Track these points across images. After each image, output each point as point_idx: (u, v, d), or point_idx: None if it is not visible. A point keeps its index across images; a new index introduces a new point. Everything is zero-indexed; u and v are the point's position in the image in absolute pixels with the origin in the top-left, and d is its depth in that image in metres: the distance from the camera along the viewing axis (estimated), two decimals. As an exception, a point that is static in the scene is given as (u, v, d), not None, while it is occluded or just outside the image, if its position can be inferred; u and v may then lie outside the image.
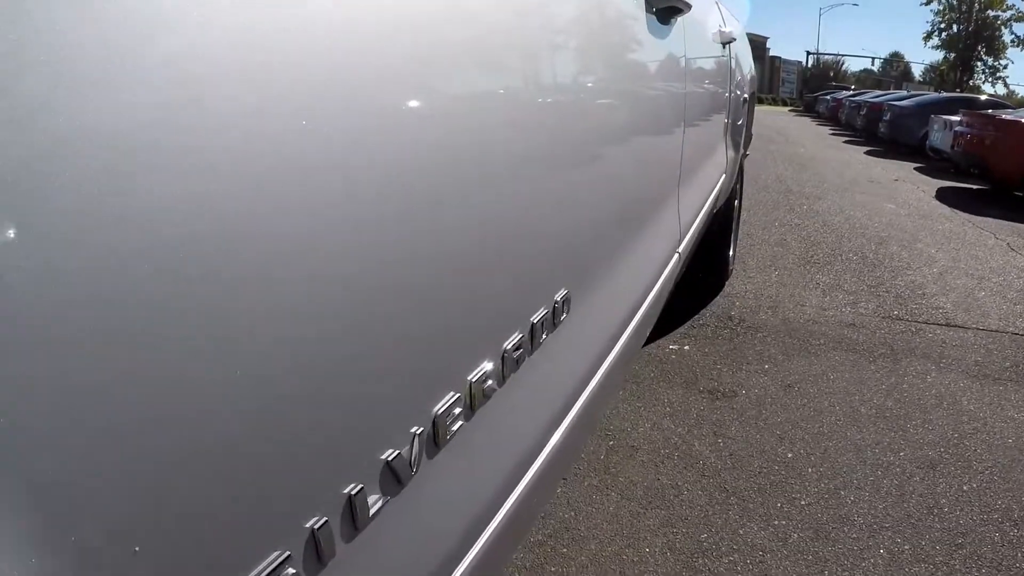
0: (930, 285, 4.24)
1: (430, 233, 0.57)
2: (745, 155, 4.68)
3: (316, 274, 0.44)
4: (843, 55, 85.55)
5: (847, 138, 17.40)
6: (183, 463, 0.36)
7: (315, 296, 0.44)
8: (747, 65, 3.62)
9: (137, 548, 0.33)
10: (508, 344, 0.75)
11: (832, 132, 19.73)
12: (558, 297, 0.87)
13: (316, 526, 0.46)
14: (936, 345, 3.27)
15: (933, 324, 3.55)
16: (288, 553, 0.43)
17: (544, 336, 0.85)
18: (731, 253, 3.94)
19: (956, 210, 7.13)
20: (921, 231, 5.90)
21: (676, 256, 1.67)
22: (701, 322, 3.42)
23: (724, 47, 2.58)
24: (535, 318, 0.82)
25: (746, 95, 3.41)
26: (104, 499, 0.32)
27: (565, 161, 0.88)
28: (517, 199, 0.75)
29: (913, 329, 3.47)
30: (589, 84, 0.94)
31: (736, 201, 4.12)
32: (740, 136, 3.39)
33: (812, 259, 4.74)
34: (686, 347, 3.10)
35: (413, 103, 0.54)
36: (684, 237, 1.77)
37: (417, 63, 0.55)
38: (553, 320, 0.88)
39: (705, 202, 2.29)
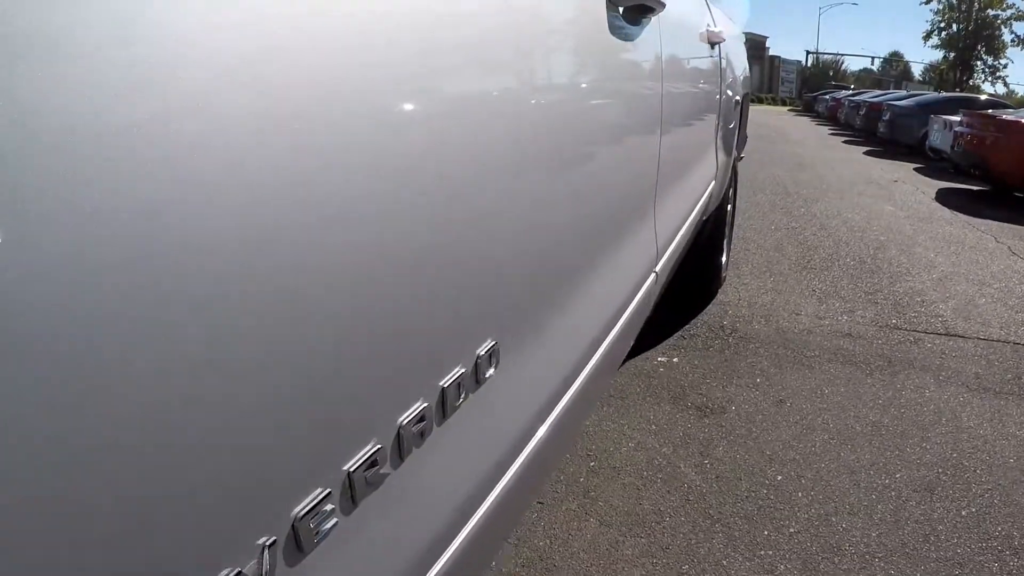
0: (929, 292, 4.12)
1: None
2: (739, 157, 4.57)
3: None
4: (842, 54, 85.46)
5: (846, 138, 17.28)
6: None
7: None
8: (740, 66, 3.51)
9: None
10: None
11: (831, 132, 19.62)
12: (482, 350, 0.75)
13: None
14: (935, 356, 3.16)
15: (932, 333, 3.44)
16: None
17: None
18: (724, 260, 3.83)
19: (956, 212, 7.01)
20: (920, 234, 5.78)
21: (653, 276, 1.56)
22: (692, 332, 3.30)
23: (713, 47, 2.47)
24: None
25: (739, 97, 3.30)
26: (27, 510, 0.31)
27: (510, 179, 0.78)
28: (450, 223, 0.65)
29: (911, 339, 3.35)
30: (535, 93, 0.83)
31: (729, 206, 4.00)
32: (732, 139, 3.28)
33: (809, 264, 4.63)
34: (675, 359, 2.99)
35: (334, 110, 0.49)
36: (662, 255, 1.65)
37: (337, 68, 0.50)
38: (489, 362, 0.77)
39: (691, 212, 2.18)
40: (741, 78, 3.48)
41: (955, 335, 3.43)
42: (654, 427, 2.43)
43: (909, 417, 2.57)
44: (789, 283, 4.18)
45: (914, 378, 2.92)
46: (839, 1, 62.22)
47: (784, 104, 49.96)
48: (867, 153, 13.46)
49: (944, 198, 8.02)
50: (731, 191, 3.98)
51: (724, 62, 2.76)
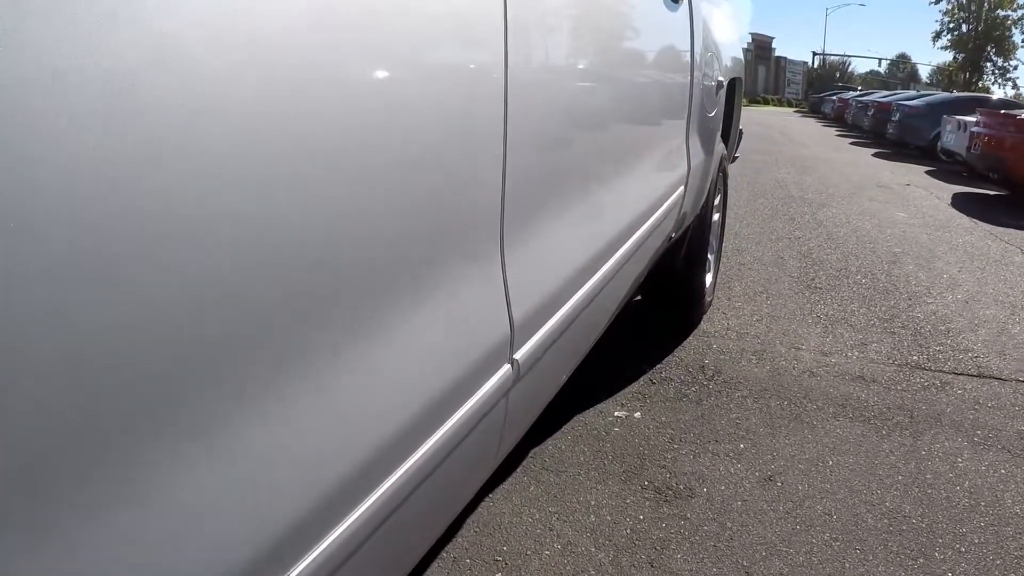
0: (955, 318, 3.47)
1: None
2: (733, 158, 3.92)
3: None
4: (849, 56, 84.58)
5: (853, 139, 16.65)
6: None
7: None
8: (727, 39, 2.85)
9: None
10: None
11: (838, 133, 18.97)
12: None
13: None
14: (968, 407, 2.51)
15: (962, 375, 2.79)
16: None
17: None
18: (709, 280, 3.18)
19: (975, 220, 6.37)
20: (939, 245, 5.13)
21: (506, 368, 0.91)
22: (663, 375, 2.65)
23: (676, 4, 1.81)
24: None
25: (721, 78, 2.63)
26: None
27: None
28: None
29: (938, 383, 2.70)
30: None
31: (716, 216, 3.35)
32: (713, 135, 2.62)
33: (813, 283, 3.97)
34: (636, 414, 2.34)
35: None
36: (524, 338, 0.98)
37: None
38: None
39: (625, 244, 1.52)
40: (728, 55, 2.82)
41: (990, 376, 2.78)
42: (593, 519, 1.79)
43: (938, 502, 1.93)
44: (789, 307, 3.52)
45: (942, 440, 2.27)
46: (846, 2, 61.42)
47: (790, 105, 49.19)
48: (876, 155, 12.81)
49: (961, 204, 7.38)
50: (719, 199, 3.33)
51: (697, 28, 2.10)
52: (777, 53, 62.80)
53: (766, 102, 47.68)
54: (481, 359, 0.83)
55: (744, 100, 4.44)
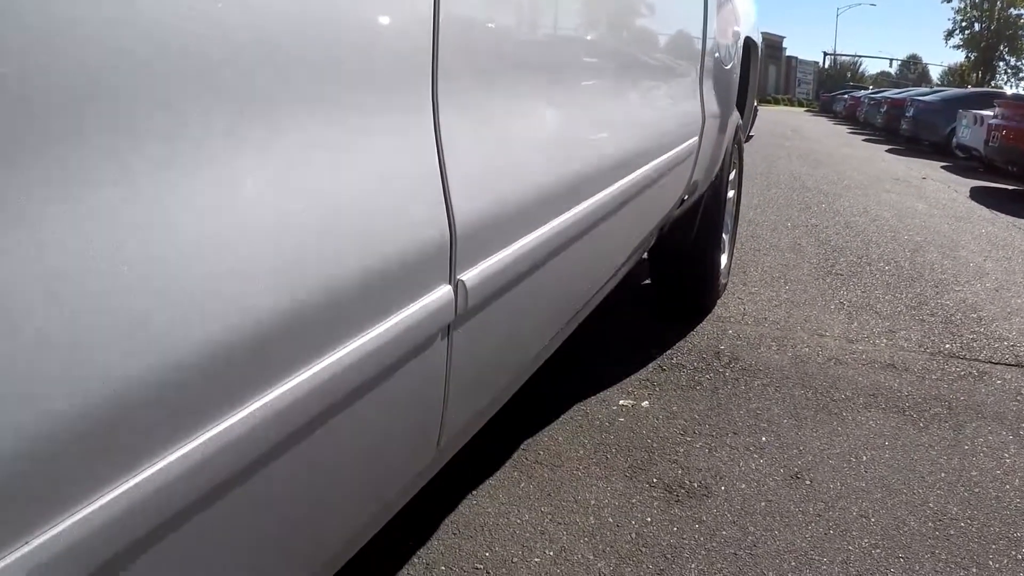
0: (986, 305, 3.21)
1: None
2: (748, 136, 3.67)
3: None
4: (860, 56, 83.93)
5: (866, 136, 16.38)
6: None
7: None
8: None
9: None
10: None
11: (850, 131, 18.67)
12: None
13: None
14: (1009, 398, 2.26)
15: (1000, 364, 2.53)
16: None
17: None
18: (724, 261, 2.93)
19: (996, 212, 6.11)
20: (962, 235, 4.87)
21: (446, 290, 0.66)
22: (674, 361, 2.40)
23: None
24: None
25: (739, 30, 2.37)
26: None
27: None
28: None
29: (975, 372, 2.45)
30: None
31: (732, 192, 3.11)
32: (729, 90, 2.36)
33: (833, 269, 3.72)
34: (644, 403, 2.09)
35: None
36: (463, 252, 0.72)
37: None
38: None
39: (625, 175, 1.26)
40: (743, 13, 2.56)
41: (1032, 367, 2.52)
42: (593, 521, 1.54)
43: (987, 503, 1.68)
44: (810, 293, 3.27)
45: (986, 434, 2.02)
46: (857, 2, 60.92)
47: (801, 105, 48.71)
48: (889, 151, 12.54)
49: (979, 196, 7.11)
50: (735, 174, 3.08)
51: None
52: (788, 53, 62.30)
53: (777, 102, 47.22)
54: (405, 266, 0.58)
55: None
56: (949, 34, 47.81)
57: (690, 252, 2.57)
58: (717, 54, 2.04)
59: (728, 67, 2.23)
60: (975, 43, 46.63)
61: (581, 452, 1.81)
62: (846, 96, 26.50)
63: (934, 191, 7.25)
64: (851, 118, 22.48)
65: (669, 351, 2.48)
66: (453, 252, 0.65)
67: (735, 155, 2.90)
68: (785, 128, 16.98)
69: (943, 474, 1.80)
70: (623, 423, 1.96)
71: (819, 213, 5.37)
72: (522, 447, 1.81)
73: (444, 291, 0.64)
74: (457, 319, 0.68)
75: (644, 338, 2.55)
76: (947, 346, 2.68)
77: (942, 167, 10.08)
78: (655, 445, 1.86)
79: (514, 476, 1.69)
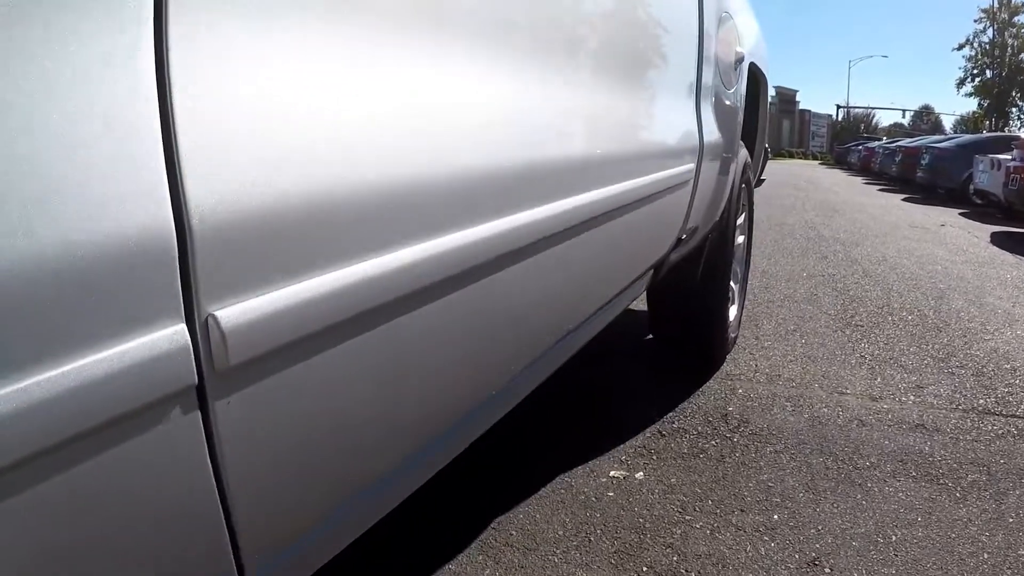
0: (1019, 355, 2.95)
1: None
2: (759, 180, 3.46)
3: None
4: (873, 107, 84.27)
5: (881, 186, 16.20)
6: None
7: None
8: (748, 16, 2.42)
9: None
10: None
11: (865, 182, 18.51)
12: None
13: None
14: (1059, 461, 1.99)
15: (1043, 421, 2.27)
16: None
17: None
18: (732, 314, 2.69)
19: (1020, 256, 5.85)
20: (987, 282, 4.61)
21: (182, 334, 0.40)
22: (676, 424, 2.15)
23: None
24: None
25: (740, 49, 2.18)
26: None
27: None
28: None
29: (1014, 430, 2.18)
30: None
31: (742, 237, 2.89)
32: (733, 118, 2.15)
33: (853, 320, 3.46)
34: (638, 474, 1.84)
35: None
36: (207, 277, 0.43)
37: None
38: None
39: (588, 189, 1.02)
40: (747, 35, 2.36)
41: (1079, 424, 2.25)
42: (573, 625, 1.29)
43: (1050, 593, 1.41)
44: (828, 347, 3.01)
45: (1036, 504, 1.75)
46: (869, 55, 61.41)
47: (814, 158, 48.73)
48: (905, 200, 12.32)
49: (1001, 242, 6.85)
50: (744, 217, 2.86)
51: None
52: (801, 106, 62.63)
53: (791, 155, 47.28)
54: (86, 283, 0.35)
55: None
56: (961, 82, 47.87)
57: (694, 301, 2.35)
58: (716, 69, 1.83)
59: (731, 90, 2.03)
60: (987, 90, 46.62)
61: (560, 533, 1.56)
62: (860, 147, 26.39)
63: (954, 237, 7.00)
64: (866, 169, 22.36)
65: (670, 413, 2.23)
66: (189, 266, 0.41)
67: (743, 196, 2.69)
68: (800, 180, 16.84)
69: (986, 555, 1.53)
70: (612, 498, 1.71)
71: (836, 263, 5.13)
72: (492, 525, 1.57)
73: (175, 332, 0.40)
74: (215, 382, 0.43)
75: (642, 397, 2.31)
76: (981, 401, 2.41)
77: (960, 213, 9.85)
78: (648, 525, 1.60)
79: (479, 560, 1.45)
